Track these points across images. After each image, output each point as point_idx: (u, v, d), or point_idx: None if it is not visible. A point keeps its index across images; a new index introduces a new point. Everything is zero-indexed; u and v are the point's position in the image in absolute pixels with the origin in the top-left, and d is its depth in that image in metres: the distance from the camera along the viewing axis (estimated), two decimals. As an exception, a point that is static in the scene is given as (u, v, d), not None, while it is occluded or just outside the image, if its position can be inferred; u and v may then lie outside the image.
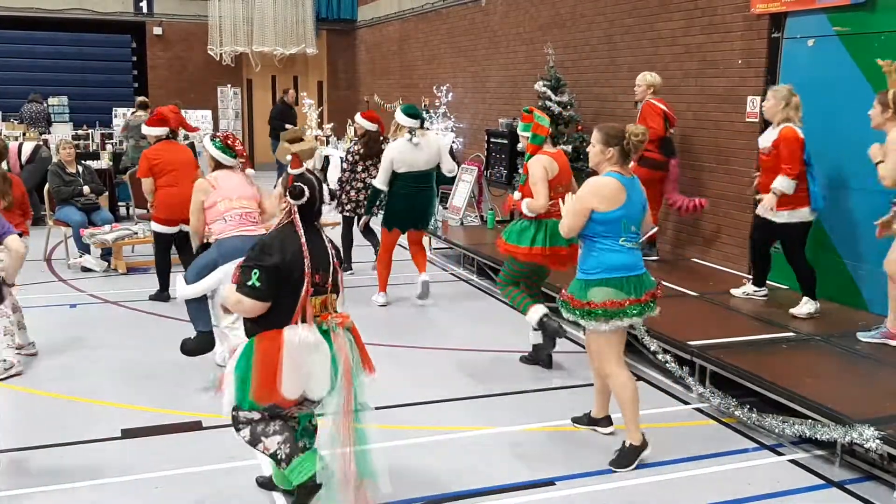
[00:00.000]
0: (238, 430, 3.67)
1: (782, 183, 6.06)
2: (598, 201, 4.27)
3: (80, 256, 9.01)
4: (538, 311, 5.71)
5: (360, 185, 8.25)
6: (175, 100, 13.54)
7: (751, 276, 6.96)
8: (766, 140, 6.27)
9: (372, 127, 8.28)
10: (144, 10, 17.85)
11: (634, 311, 4.34)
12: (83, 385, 5.58)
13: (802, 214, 6.18)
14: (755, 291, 6.72)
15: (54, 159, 9.85)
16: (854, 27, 6.52)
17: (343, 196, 8.35)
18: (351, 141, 8.54)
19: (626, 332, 4.60)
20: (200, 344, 5.68)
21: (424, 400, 5.37)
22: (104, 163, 12.33)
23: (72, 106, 16.46)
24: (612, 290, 4.30)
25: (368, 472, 3.60)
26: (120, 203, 12.13)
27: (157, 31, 18.02)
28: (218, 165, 5.73)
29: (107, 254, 8.99)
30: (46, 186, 9.43)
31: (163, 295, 7.73)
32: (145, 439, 4.76)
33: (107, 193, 10.53)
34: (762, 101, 7.32)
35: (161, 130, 7.67)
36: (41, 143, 11.83)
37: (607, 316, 4.30)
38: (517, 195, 5.77)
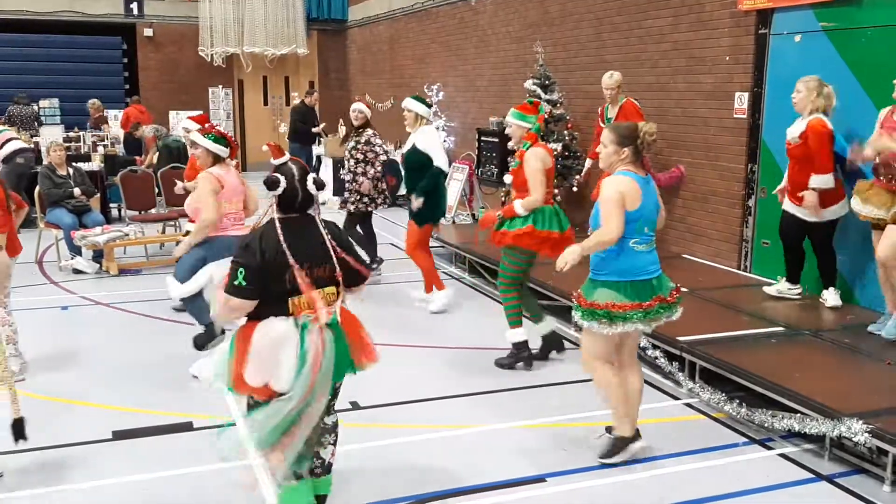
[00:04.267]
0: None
1: (817, 181, 6.02)
2: (627, 200, 4.09)
3: (72, 258, 9.00)
4: (520, 334, 5.92)
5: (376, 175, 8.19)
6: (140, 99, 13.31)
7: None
8: (795, 131, 6.18)
9: (369, 112, 8.38)
10: (135, 11, 17.81)
11: (637, 316, 4.18)
12: (74, 387, 5.58)
13: (844, 206, 6.15)
14: (789, 289, 6.58)
15: (45, 161, 9.82)
16: (840, 23, 6.55)
17: (350, 192, 8.18)
18: (353, 137, 8.26)
19: (631, 336, 4.41)
20: (210, 335, 5.69)
21: (415, 398, 5.38)
22: (95, 164, 12.30)
23: (63, 108, 16.43)
24: (614, 293, 4.18)
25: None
26: (111, 205, 12.10)
27: (148, 32, 17.98)
28: (216, 159, 5.72)
29: (98, 256, 8.99)
30: (37, 189, 9.41)
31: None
32: (136, 441, 4.77)
33: (98, 195, 10.51)
34: (751, 97, 7.38)
35: None
36: (28, 147, 11.64)
37: (609, 318, 4.17)
38: (508, 180, 5.77)
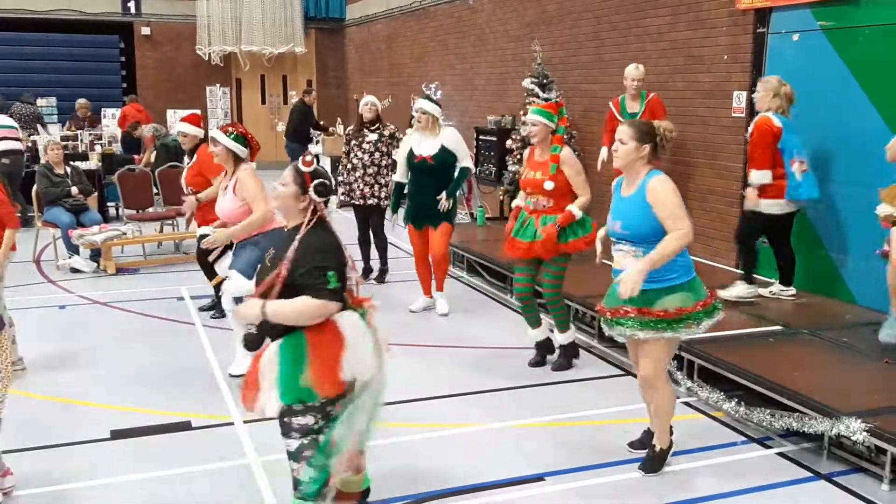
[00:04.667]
0: (288, 436, 3.43)
1: (752, 176, 6.19)
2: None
3: (69, 258, 8.99)
4: (571, 335, 5.97)
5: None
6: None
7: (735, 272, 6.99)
8: (750, 129, 6.37)
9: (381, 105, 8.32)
10: (132, 10, 17.81)
11: (720, 306, 4.14)
12: (72, 387, 5.57)
13: (780, 205, 6.23)
14: (782, 290, 6.57)
15: (42, 160, 9.80)
16: (838, 21, 6.55)
17: (377, 185, 8.06)
18: (371, 130, 8.13)
19: None
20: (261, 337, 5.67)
21: (413, 397, 5.36)
22: (93, 163, 12.28)
23: (60, 107, 16.41)
24: (691, 294, 4.04)
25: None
26: (109, 203, 12.09)
27: (146, 31, 17.98)
28: (237, 160, 5.54)
29: (96, 255, 8.98)
30: (34, 188, 9.40)
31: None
32: (134, 440, 4.76)
33: (95, 194, 10.50)
34: (749, 95, 7.38)
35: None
36: (19, 148, 11.58)
37: (708, 316, 4.06)
38: (550, 186, 5.50)
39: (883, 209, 5.40)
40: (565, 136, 5.72)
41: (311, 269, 3.31)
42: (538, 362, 6.01)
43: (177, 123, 7.19)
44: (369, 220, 8.28)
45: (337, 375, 3.34)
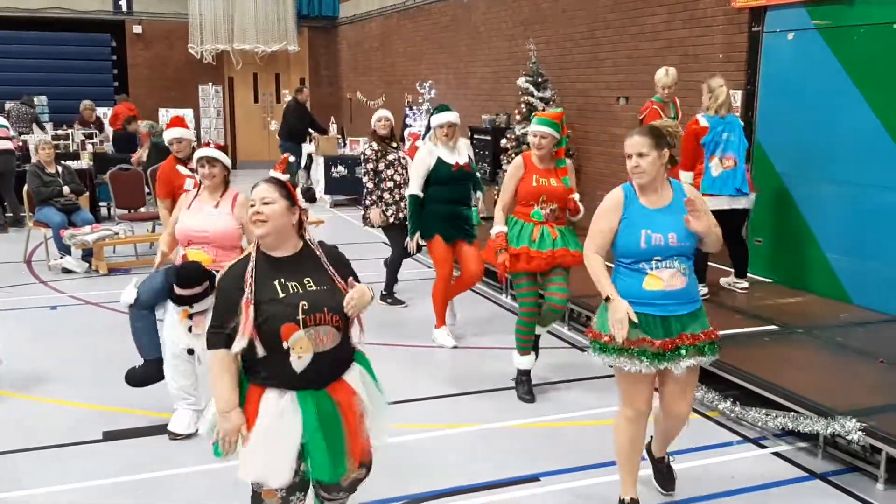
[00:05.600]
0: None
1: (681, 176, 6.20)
2: None
3: (61, 258, 8.95)
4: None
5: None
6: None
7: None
8: None
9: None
10: (124, 8, 17.75)
11: None
12: (64, 388, 5.54)
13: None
14: (736, 283, 6.71)
15: (33, 160, 9.75)
16: (833, 20, 6.55)
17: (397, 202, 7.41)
18: (393, 149, 7.63)
19: None
20: (149, 373, 5.06)
21: (409, 398, 5.35)
22: (84, 163, 12.23)
23: (51, 106, 16.34)
24: None
25: None
26: (101, 203, 12.04)
27: (137, 29, 17.92)
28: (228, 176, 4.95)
29: (87, 255, 8.93)
30: (25, 187, 9.35)
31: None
32: (127, 442, 4.73)
33: (87, 194, 10.45)
34: (744, 94, 7.38)
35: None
36: (9, 149, 11.52)
37: None
38: (577, 197, 5.34)
39: None
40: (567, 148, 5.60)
41: (350, 269, 3.10)
42: (530, 391, 5.48)
43: (170, 132, 6.43)
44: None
45: None
